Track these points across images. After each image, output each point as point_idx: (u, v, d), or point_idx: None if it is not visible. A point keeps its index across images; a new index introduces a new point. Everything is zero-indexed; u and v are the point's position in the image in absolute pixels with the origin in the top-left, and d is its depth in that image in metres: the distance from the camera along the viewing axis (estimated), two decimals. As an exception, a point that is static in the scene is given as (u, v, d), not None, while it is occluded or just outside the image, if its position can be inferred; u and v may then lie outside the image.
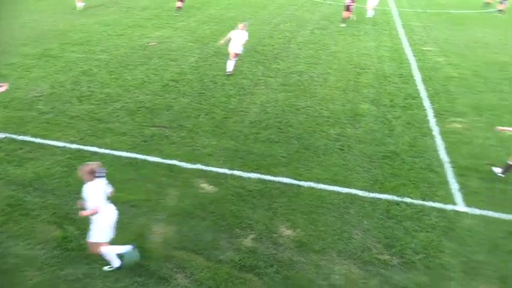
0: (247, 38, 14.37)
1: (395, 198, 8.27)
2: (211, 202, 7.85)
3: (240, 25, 14.23)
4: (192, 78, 14.25)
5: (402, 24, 25.80)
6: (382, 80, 14.95)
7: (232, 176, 8.73)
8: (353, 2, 23.63)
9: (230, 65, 14.41)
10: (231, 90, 13.36)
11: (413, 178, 8.97)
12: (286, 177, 8.78)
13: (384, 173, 9.13)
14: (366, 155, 9.82)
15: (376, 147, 10.19)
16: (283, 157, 9.56)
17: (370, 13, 26.92)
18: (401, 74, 15.73)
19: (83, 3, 26.28)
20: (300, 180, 8.69)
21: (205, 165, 9.07)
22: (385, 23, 25.89)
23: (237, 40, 14.14)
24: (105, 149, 9.54)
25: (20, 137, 9.74)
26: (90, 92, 12.75)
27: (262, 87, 13.80)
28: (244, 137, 10.36)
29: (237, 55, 14.42)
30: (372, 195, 8.35)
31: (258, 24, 23.70)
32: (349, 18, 24.09)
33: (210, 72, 14.98)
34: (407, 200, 8.24)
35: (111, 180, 8.30)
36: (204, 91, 13.18)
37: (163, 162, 9.10)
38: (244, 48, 14.57)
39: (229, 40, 14.29)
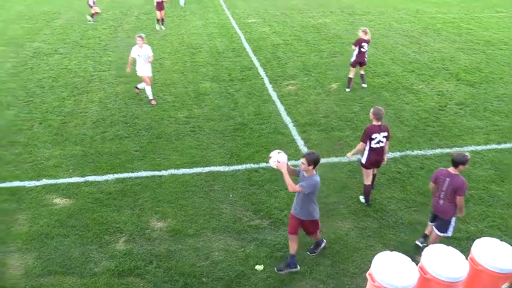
0: (152, 53, 11.46)
1: (253, 165, 8.75)
2: (69, 216, 7.23)
3: (138, 39, 11.20)
4: (14, 87, 12.65)
5: (224, 0, 26.67)
6: (217, 57, 15.37)
7: (87, 183, 8.16)
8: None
9: (149, 91, 11.53)
10: (63, 92, 12.27)
11: (265, 143, 9.58)
12: (145, 170, 8.55)
13: (237, 145, 9.54)
14: (218, 131, 10.10)
15: (225, 122, 10.55)
16: (137, 151, 9.26)
17: (182, 1, 25.24)
18: (234, 48, 16.38)
19: None
20: (159, 170, 8.56)
21: (53, 178, 8.27)
22: (209, 1, 26.44)
23: (143, 60, 11.21)
24: None
25: None
26: None
27: (97, 83, 12.99)
28: (90, 139, 9.70)
29: (151, 79, 11.61)
30: (231, 168, 8.69)
31: (76, 16, 21.96)
32: (97, 13, 20.75)
33: (34, 76, 13.49)
34: (264, 164, 8.77)
35: None
36: (31, 98, 11.84)
37: (2, 187, 7.99)
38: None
39: (133, 62, 11.42)
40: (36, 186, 8.02)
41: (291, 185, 5.68)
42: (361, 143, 7.17)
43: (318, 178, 5.81)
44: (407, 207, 7.62)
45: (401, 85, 12.99)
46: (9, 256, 6.43)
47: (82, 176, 8.33)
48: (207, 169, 8.62)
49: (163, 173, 8.48)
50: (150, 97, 11.56)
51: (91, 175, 8.37)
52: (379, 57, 15.50)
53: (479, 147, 9.56)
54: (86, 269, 6.23)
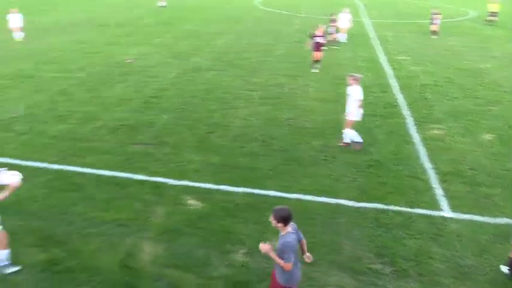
0: (361, 97, 10.39)
1: (383, 206, 8.33)
2: (199, 218, 7.74)
3: (351, 80, 10.42)
4: (172, 94, 14.18)
5: (376, 35, 26.37)
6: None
7: (220, 191, 8.66)
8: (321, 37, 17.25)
9: (350, 134, 10.53)
10: (213, 105, 13.32)
11: (399, 186, 9.07)
12: (274, 189, 8.75)
13: (369, 182, 9.20)
14: (351, 164, 9.89)
15: (360, 156, 10.29)
16: (270, 170, 9.54)
17: (343, 36, 23.35)
18: (379, 84, 16.01)
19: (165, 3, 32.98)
20: (287, 192, 8.67)
21: (192, 181, 8.97)
22: (360, 35, 26.41)
23: (353, 101, 10.31)
24: (88, 168, 9.33)
25: (-2, 160, 9.44)
26: (68, 111, 12.51)
27: (244, 100, 13.82)
28: (229, 151, 10.31)
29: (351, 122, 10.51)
30: (359, 204, 8.39)
31: (235, 38, 23.84)
32: (319, 60, 17.54)
33: (190, 87, 14.94)
34: (395, 207, 8.30)
35: (96, 200, 8.16)
36: (185, 106, 13.11)
37: (148, 180, 8.95)
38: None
39: (358, 105, 10.32)
40: (176, 185, 8.78)
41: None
42: None
43: (289, 238, 5.01)
44: None
45: None
46: (144, 242, 7.12)
47: (216, 184, 8.87)
48: (334, 200, 8.47)
49: (291, 195, 8.57)
50: (348, 140, 10.54)
51: (224, 184, 8.86)
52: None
53: None
54: (205, 271, 6.57)
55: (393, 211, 8.21)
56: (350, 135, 10.49)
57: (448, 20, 34.47)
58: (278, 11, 36.68)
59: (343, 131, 10.68)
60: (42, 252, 6.80)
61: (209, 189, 8.69)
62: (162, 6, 34.70)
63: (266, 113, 12.77)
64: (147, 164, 9.59)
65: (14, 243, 6.95)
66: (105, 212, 7.80)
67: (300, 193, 8.67)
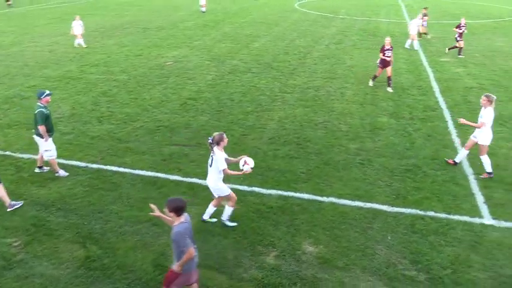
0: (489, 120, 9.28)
1: (419, 212, 8.11)
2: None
3: (484, 100, 9.29)
4: (209, 96, 14.39)
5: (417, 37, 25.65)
6: (400, 93, 14.83)
7: (252, 193, 8.70)
8: (390, 51, 15.16)
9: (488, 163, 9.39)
10: (249, 107, 13.42)
11: (437, 191, 8.80)
12: (307, 193, 8.70)
13: (406, 186, 8.97)
14: (387, 168, 9.68)
15: (397, 160, 10.06)
16: (303, 173, 9.49)
17: (416, 44, 22.17)
18: (420, 86, 15.59)
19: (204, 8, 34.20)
20: (321, 195, 8.60)
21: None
22: (401, 35, 25.81)
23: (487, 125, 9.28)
24: (126, 168, 9.63)
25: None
26: (110, 112, 12.96)
27: (280, 103, 13.83)
28: (263, 154, 10.35)
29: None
30: (395, 209, 8.20)
31: (273, 40, 23.89)
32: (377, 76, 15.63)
33: (227, 89, 15.11)
34: (432, 213, 8.06)
35: (132, 200, 8.41)
36: (221, 109, 13.27)
37: (183, 181, 9.13)
38: None
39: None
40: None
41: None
42: None
43: (181, 228, 5.07)
44: None
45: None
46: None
47: (249, 186, 8.92)
48: (368, 205, 8.32)
49: (324, 199, 8.49)
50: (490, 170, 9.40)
51: (257, 187, 8.90)
52: None
53: None
54: (236, 272, 6.62)
55: (430, 217, 7.97)
56: (487, 163, 9.36)
57: (495, 20, 33.11)
58: (317, 13, 36.42)
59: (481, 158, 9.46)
60: (80, 248, 7.07)
61: (242, 191, 8.75)
62: (202, 12, 35.22)
63: (302, 116, 12.72)
64: (182, 165, 9.78)
65: (54, 239, 7.30)
66: (140, 211, 8.01)
67: (334, 196, 8.58)
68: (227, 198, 7.57)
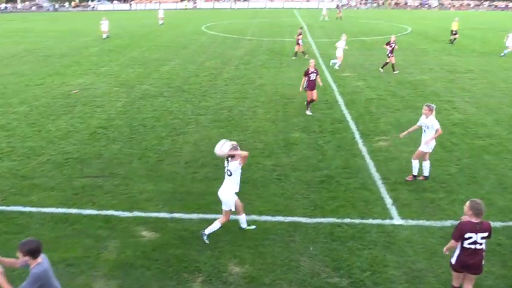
0: (438, 128, 9.75)
1: (337, 220, 8.49)
2: (154, 249, 7.54)
3: (427, 110, 9.82)
4: (120, 124, 13.91)
5: (320, 54, 27.28)
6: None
7: (173, 219, 8.50)
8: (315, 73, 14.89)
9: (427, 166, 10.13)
10: (163, 132, 13.19)
11: (350, 198, 9.29)
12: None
13: (322, 197, 9.37)
14: (303, 181, 10.04)
15: (311, 173, 10.48)
16: (223, 193, 9.49)
17: (337, 64, 23.06)
18: (326, 100, 16.48)
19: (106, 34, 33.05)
20: (242, 214, 8.65)
21: (144, 211, 8.76)
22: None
23: (430, 133, 9.82)
24: (33, 207, 8.90)
25: None
26: (10, 147, 11.97)
27: (194, 125, 13.78)
28: (182, 178, 10.20)
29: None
30: (314, 220, 8.50)
31: (182, 63, 23.87)
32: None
33: (139, 115, 14.74)
34: (348, 220, 8.48)
35: (42, 241, 7.76)
36: (134, 135, 12.89)
37: (98, 214, 8.65)
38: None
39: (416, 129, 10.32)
40: (128, 217, 8.54)
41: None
42: (452, 240, 5.84)
43: (39, 269, 4.76)
44: (508, 285, 6.77)
45: (505, 148, 11.97)
46: (95, 280, 6.82)
47: (170, 212, 8.71)
48: (289, 219, 8.53)
49: (246, 217, 8.54)
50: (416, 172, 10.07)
51: (178, 212, 8.72)
52: (480, 118, 14.55)
53: None
54: (163, 304, 6.37)
55: (346, 224, 8.37)
56: (415, 166, 10.03)
57: (386, 36, 36.25)
58: (225, 35, 37.19)
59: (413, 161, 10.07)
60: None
61: (162, 219, 8.51)
62: (105, 38, 34.18)
63: (217, 137, 12.73)
64: (96, 198, 9.28)
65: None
66: (53, 252, 7.39)
67: (255, 214, 8.67)
68: (228, 213, 7.82)
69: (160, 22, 46.46)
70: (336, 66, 22.78)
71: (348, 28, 42.99)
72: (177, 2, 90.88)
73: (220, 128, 13.45)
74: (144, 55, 26.57)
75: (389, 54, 21.47)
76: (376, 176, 10.32)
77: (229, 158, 7.67)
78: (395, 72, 21.28)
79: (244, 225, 8.13)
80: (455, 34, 31.91)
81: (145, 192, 9.49)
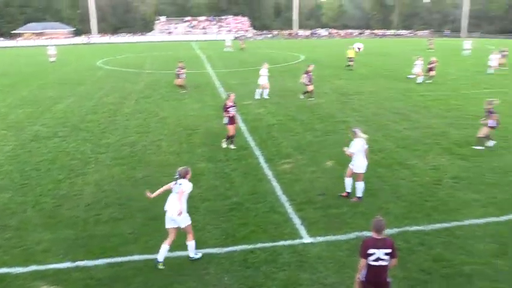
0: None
1: (249, 246, 8.51)
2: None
3: (354, 134, 10.37)
4: (10, 169, 12.72)
5: (221, 84, 27.80)
6: (213, 138, 15.64)
7: (77, 268, 7.86)
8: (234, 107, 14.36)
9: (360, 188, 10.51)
10: (60, 174, 12.30)
11: (261, 223, 9.42)
12: (138, 253, 8.30)
13: (233, 225, 9.37)
14: (213, 211, 9.97)
15: (220, 201, 10.46)
16: (131, 233, 9.06)
17: (265, 93, 22.99)
18: (230, 129, 16.71)
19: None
20: (153, 253, 8.26)
21: (42, 264, 7.99)
22: (206, 85, 27.58)
23: (360, 154, 10.34)
24: None
25: None
26: None
27: (94, 165, 13.06)
28: (83, 222, 9.53)
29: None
30: (226, 249, 8.44)
31: (78, 101, 22.73)
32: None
33: (32, 159, 13.62)
34: (260, 245, 8.55)
35: None
36: (27, 181, 11.84)
37: (-12, 274, 7.71)
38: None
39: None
40: (24, 273, 7.72)
41: None
42: (361, 258, 6.03)
43: None
44: (409, 286, 7.31)
45: (395, 161, 13.11)
46: None
47: (73, 261, 8.05)
48: (202, 251, 8.36)
49: (157, 256, 8.20)
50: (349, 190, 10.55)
51: (82, 260, 8.09)
52: (371, 134, 15.77)
53: (478, 221, 9.41)
54: None
55: (259, 249, 8.44)
56: (360, 188, 10.40)
57: (282, 64, 38.23)
58: (123, 69, 36.34)
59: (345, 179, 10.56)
60: None
61: (64, 269, 7.82)
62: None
63: (120, 174, 12.25)
64: (-16, 256, 8.28)
65: None
66: None
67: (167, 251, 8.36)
68: (189, 229, 7.97)
69: (52, 59, 43.59)
70: (265, 95, 22.95)
71: (247, 58, 44.64)
72: (69, 38, 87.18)
73: (122, 165, 12.92)
74: (34, 94, 24.84)
75: (307, 83, 22.18)
76: (283, 198, 10.62)
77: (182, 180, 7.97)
78: (311, 99, 22.18)
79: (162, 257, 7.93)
80: (351, 60, 34.68)
81: (43, 242, 8.69)
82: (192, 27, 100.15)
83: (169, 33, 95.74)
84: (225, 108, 14.14)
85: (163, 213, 9.85)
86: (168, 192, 8.12)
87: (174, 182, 8.04)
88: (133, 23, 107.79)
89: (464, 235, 8.83)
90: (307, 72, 22.30)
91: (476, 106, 19.95)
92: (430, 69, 27.67)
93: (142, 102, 22.22)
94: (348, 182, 10.54)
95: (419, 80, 27.22)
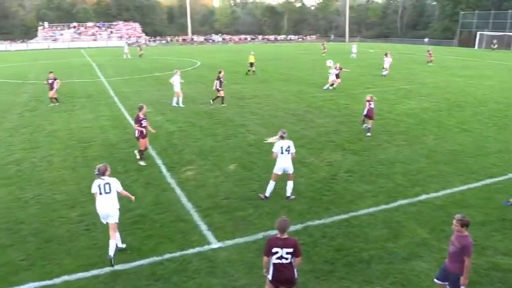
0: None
1: (157, 258, 8.26)
2: None
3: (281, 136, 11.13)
4: None
5: (115, 92, 26.64)
6: (110, 149, 14.94)
7: (-41, 307, 6.97)
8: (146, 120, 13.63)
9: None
10: None
11: (167, 233, 9.20)
12: (33, 281, 7.58)
13: (138, 238, 9.02)
14: (116, 226, 9.50)
15: (123, 215, 9.87)
16: (23, 260, 8.24)
17: (180, 101, 22.37)
18: (128, 139, 16.07)
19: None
20: (51, 278, 7.64)
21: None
22: (99, 94, 26.25)
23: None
24: None
25: None
26: None
27: (-26, 188, 11.66)
28: (-36, 254, 8.47)
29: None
30: (133, 264, 8.10)
31: None
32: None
33: None
34: (168, 255, 8.35)
35: None
36: None
37: None
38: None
39: None
40: None
41: None
42: (264, 256, 6.29)
43: None
44: (315, 277, 7.69)
45: (294, 160, 13.67)
46: None
47: (-47, 300, 7.12)
48: (106, 270, 7.92)
49: (56, 281, 7.59)
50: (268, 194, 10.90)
51: (-36, 297, 7.20)
52: (270, 136, 16.33)
53: (371, 209, 10.24)
54: None
55: (167, 259, 8.24)
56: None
57: (182, 69, 37.81)
58: (2, 80, 33.07)
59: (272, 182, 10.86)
60: None
61: None
62: None
63: (6, 196, 11.10)
64: None
65: None
66: None
67: (66, 274, 7.78)
68: (115, 227, 8.23)
69: None
70: (181, 104, 22.28)
71: (142, 65, 43.40)
72: None
73: (9, 186, 11.71)
74: None
75: (218, 88, 22.00)
76: (189, 206, 10.51)
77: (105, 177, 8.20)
78: (223, 105, 22.06)
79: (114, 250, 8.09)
80: (252, 66, 35.34)
81: None
82: (79, 33, 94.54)
83: (55, 40, 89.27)
84: (138, 121, 13.32)
85: (61, 233, 9.20)
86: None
87: (101, 181, 8.18)
88: (13, 29, 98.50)
89: (360, 224, 9.55)
90: (218, 78, 22.28)
91: (362, 104, 21.74)
92: (337, 76, 27.95)
93: (28, 116, 20.41)
94: (271, 185, 10.88)
95: (325, 87, 27.90)
